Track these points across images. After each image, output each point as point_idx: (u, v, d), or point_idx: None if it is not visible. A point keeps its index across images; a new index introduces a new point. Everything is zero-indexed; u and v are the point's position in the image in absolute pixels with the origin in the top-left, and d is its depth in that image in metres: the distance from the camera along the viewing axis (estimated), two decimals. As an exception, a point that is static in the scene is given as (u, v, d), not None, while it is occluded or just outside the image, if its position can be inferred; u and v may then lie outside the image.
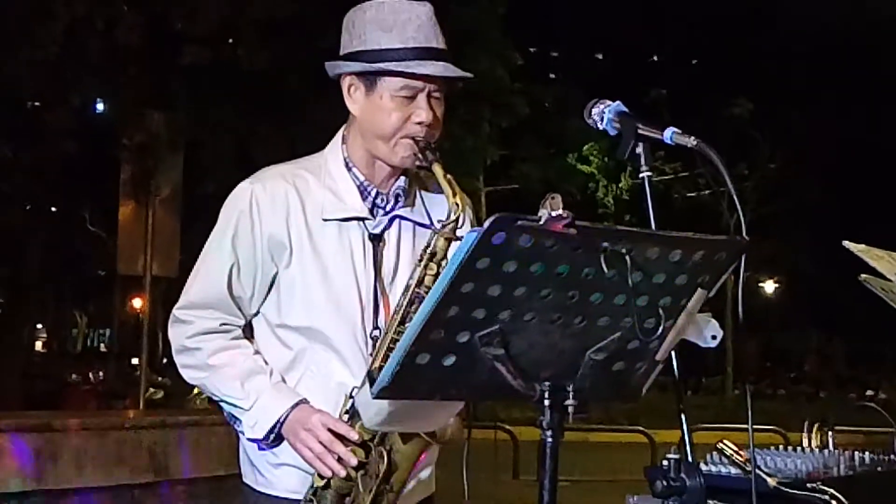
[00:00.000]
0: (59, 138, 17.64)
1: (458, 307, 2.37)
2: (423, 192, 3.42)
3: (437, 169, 3.18)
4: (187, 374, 3.39)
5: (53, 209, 24.71)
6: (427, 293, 3.04)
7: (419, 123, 3.23)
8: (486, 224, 2.27)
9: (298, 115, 16.78)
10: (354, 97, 3.32)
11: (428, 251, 3.15)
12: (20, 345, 22.56)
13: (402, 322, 3.12)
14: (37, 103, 19.16)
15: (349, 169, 3.36)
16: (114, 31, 16.73)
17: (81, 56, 16.83)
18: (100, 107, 21.96)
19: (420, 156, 3.22)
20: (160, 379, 27.56)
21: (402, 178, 3.38)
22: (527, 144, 36.08)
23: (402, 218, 3.36)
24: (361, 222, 3.32)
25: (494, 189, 36.02)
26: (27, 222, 20.69)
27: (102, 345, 51.47)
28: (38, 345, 45.06)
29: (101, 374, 32.87)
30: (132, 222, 13.81)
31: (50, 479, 6.30)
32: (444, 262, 3.13)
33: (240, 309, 3.35)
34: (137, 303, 36.41)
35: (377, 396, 2.52)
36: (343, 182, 3.35)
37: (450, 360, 2.45)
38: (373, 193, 3.35)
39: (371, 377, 2.56)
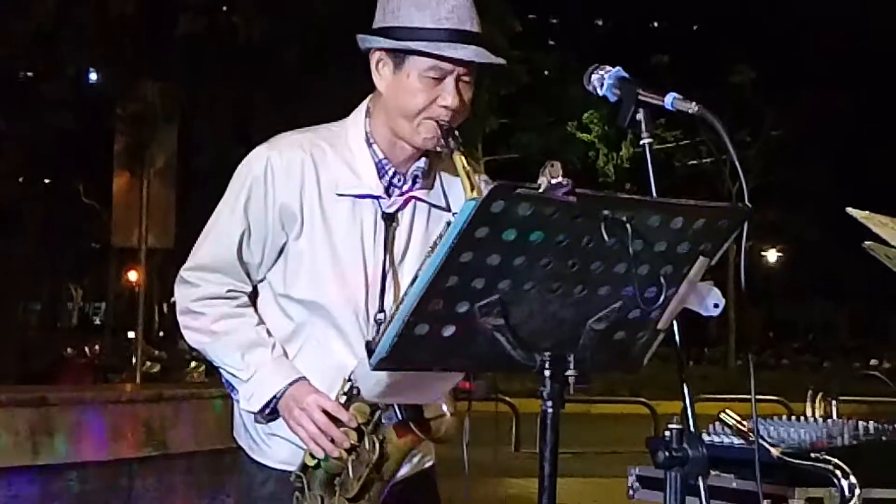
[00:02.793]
0: (52, 110, 17.57)
1: (457, 277, 2.36)
2: (442, 174, 3.33)
3: (458, 158, 3.08)
4: (189, 336, 3.35)
5: (47, 181, 24.67)
6: None
7: (445, 107, 3.14)
8: (485, 192, 2.25)
9: (295, 86, 16.73)
10: (382, 73, 3.22)
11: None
12: (15, 319, 22.53)
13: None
14: (29, 74, 19.08)
15: (370, 144, 3.28)
16: (108, 0, 16.64)
17: (75, 25, 16.74)
18: (93, 77, 21.87)
19: (443, 141, 3.14)
20: (157, 352, 27.56)
21: (423, 159, 3.30)
22: (526, 113, 36.07)
23: (417, 199, 3.30)
24: (375, 200, 3.26)
25: (493, 159, 36.01)
26: (21, 195, 20.62)
27: (98, 318, 51.44)
28: (33, 318, 45.01)
29: (96, 347, 32.82)
30: (127, 194, 13.76)
31: (46, 453, 6.28)
32: None
33: (248, 275, 3.31)
34: (133, 275, 36.33)
35: (376, 368, 2.51)
36: (361, 157, 3.28)
37: (449, 331, 2.44)
38: (390, 172, 3.27)
39: (370, 348, 2.54)
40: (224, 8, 17.74)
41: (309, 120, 3.45)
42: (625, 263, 2.46)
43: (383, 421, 3.03)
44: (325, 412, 3.10)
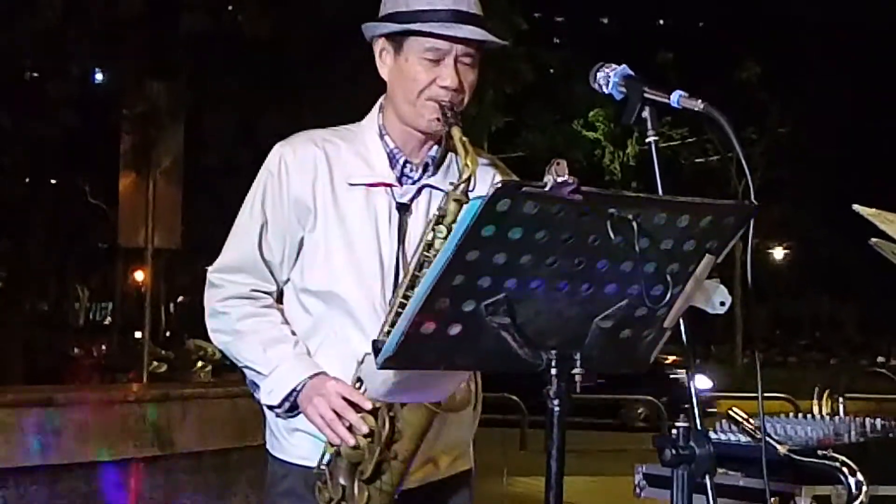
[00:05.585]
0: (58, 109, 17.53)
1: (463, 276, 2.35)
2: (457, 161, 3.30)
3: (455, 132, 3.14)
4: (215, 338, 3.39)
5: (53, 181, 24.62)
6: (436, 256, 3.03)
7: (444, 87, 3.19)
8: (491, 191, 2.25)
9: (302, 85, 16.72)
10: (384, 60, 3.29)
11: (438, 213, 3.12)
12: (22, 318, 22.49)
13: (412, 286, 3.08)
14: (35, 74, 19.05)
15: (382, 137, 3.33)
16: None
17: (81, 24, 16.73)
18: (99, 76, 21.85)
19: (441, 119, 3.18)
20: (163, 352, 27.52)
21: (435, 146, 3.33)
22: (532, 111, 36.07)
23: (431, 187, 3.31)
24: (388, 190, 3.28)
25: (499, 157, 35.95)
26: (27, 195, 20.60)
27: (105, 318, 51.43)
28: (40, 318, 44.91)
29: (103, 347, 32.80)
30: (133, 194, 13.72)
31: (53, 453, 6.28)
32: (454, 225, 3.05)
33: (272, 273, 3.34)
34: (139, 275, 36.29)
35: (382, 367, 2.50)
36: (374, 147, 3.32)
37: (455, 330, 2.43)
38: (401, 161, 3.31)
39: (376, 347, 2.54)
40: (230, 7, 17.75)
41: (315, 118, 3.47)
42: (631, 261, 2.46)
43: None
44: (344, 399, 3.10)
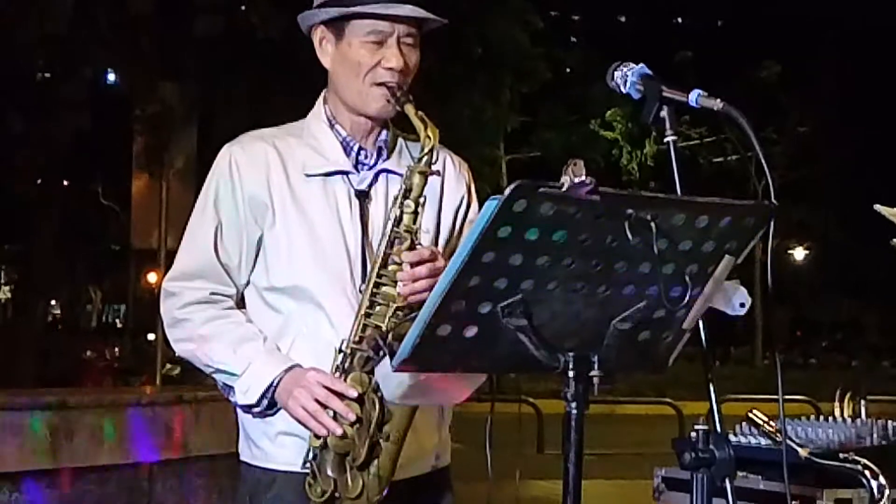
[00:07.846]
0: (70, 110, 17.54)
1: (479, 277, 2.34)
2: (408, 143, 3.34)
3: (409, 108, 3.16)
4: (179, 348, 3.33)
5: (66, 183, 24.66)
6: (406, 232, 3.09)
7: (389, 69, 3.20)
8: (507, 191, 2.25)
9: (314, 86, 16.70)
10: (325, 49, 3.31)
11: (403, 188, 3.12)
12: (34, 321, 22.50)
13: (385, 265, 3.09)
14: (47, 75, 19.06)
15: (332, 126, 3.33)
16: (125, 0, 16.65)
17: (92, 26, 16.73)
18: (111, 78, 21.87)
19: (392, 101, 3.19)
20: (177, 355, 27.46)
21: (385, 131, 3.34)
22: (548, 111, 36.04)
23: (387, 171, 3.31)
24: (346, 178, 3.27)
25: (515, 157, 36.00)
26: (39, 196, 20.61)
27: (118, 320, 51.53)
28: (52, 321, 44.99)
29: (116, 350, 32.84)
30: (146, 195, 13.76)
31: (66, 456, 6.27)
32: (420, 199, 3.11)
33: (229, 276, 3.29)
34: (153, 277, 36.26)
35: (398, 369, 2.49)
36: (325, 138, 3.31)
37: (471, 332, 2.42)
38: (355, 148, 3.31)
39: (391, 349, 2.52)
40: (242, 7, 17.74)
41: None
42: (649, 263, 2.44)
43: None
44: (325, 387, 3.06)
